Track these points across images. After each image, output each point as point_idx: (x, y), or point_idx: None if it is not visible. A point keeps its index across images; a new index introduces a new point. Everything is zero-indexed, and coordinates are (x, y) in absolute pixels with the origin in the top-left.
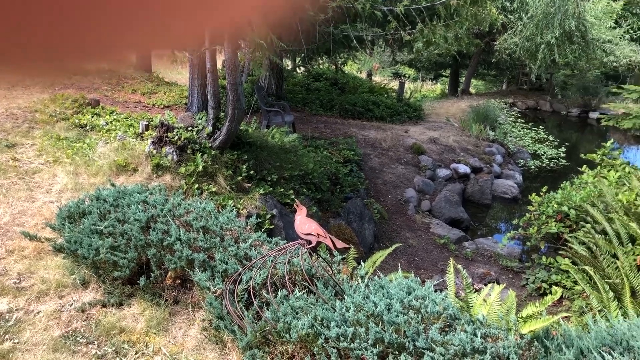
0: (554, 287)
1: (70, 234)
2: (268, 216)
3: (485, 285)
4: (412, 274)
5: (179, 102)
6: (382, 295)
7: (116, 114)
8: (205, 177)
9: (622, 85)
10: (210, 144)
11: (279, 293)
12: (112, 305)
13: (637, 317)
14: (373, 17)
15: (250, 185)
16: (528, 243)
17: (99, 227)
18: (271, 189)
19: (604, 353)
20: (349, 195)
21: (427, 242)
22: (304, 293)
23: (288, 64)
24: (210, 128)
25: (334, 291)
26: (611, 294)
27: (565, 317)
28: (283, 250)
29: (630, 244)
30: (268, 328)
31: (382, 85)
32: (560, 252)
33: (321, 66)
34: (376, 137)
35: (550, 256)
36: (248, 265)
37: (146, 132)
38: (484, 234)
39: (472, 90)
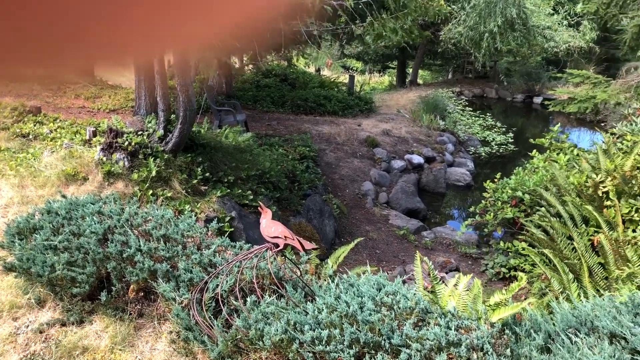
0: (519, 273)
1: (21, 251)
2: (227, 219)
3: (447, 273)
4: (380, 270)
5: (125, 105)
6: (353, 293)
7: (60, 120)
8: (160, 182)
9: (566, 70)
10: (162, 148)
11: (248, 299)
12: (72, 324)
13: (598, 296)
14: (323, 12)
15: (206, 188)
16: (485, 229)
17: (53, 242)
18: (228, 190)
19: (570, 335)
20: (308, 192)
21: (387, 234)
22: (274, 298)
23: (235, 61)
24: (161, 131)
25: (303, 293)
26: (571, 276)
27: (530, 302)
28: (250, 255)
29: (584, 225)
30: (239, 336)
31: (333, 80)
32: (518, 236)
33: (271, 63)
34: (330, 132)
35: (508, 241)
36: (214, 273)
37: (94, 139)
38: (440, 222)
39: (419, 80)
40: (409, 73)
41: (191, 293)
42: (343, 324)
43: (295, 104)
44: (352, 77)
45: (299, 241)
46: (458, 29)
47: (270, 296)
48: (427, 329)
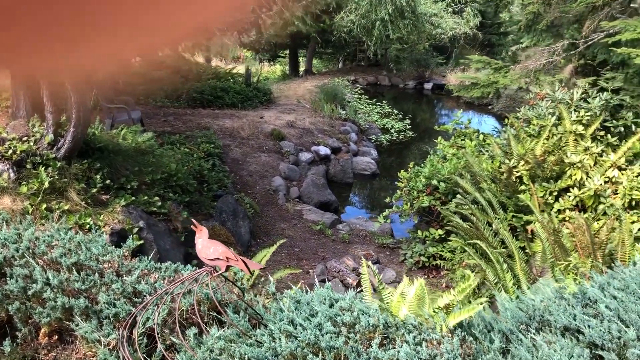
0: (466, 272)
1: None
2: (135, 230)
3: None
4: (316, 279)
5: None
6: (306, 313)
7: None
8: (54, 194)
9: (468, 56)
10: (54, 155)
11: (187, 332)
12: None
13: (529, 285)
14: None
15: (108, 197)
16: (402, 219)
17: None
18: (133, 198)
19: (524, 332)
20: (219, 193)
21: (303, 231)
22: (223, 330)
23: None
24: (51, 136)
25: (247, 317)
26: (505, 266)
27: (481, 303)
28: (190, 280)
29: (502, 211)
30: None
31: (228, 70)
32: (433, 224)
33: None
34: (233, 126)
35: (424, 229)
36: (143, 304)
37: None
38: (351, 213)
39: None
40: (301, 62)
41: (118, 331)
42: (306, 354)
43: (191, 97)
44: (248, 68)
45: (243, 262)
46: (350, 17)
47: (211, 326)
48: (394, 348)
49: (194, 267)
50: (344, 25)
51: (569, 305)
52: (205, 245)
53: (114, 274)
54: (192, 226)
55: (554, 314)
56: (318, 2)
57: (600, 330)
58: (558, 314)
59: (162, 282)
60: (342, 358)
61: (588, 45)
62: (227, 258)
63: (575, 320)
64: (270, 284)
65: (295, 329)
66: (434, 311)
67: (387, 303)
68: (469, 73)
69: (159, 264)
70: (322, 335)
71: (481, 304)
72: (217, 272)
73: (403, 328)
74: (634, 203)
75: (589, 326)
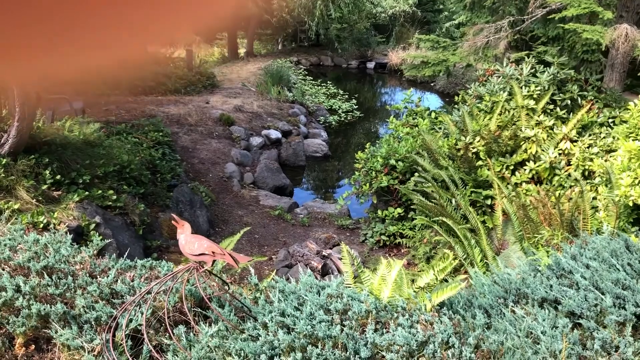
0: (444, 251)
1: None
2: (92, 226)
3: (331, 248)
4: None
5: None
6: (294, 302)
7: None
8: (1, 193)
9: (420, 36)
10: None
11: (176, 331)
12: None
13: (495, 258)
14: None
15: (60, 193)
16: (361, 200)
17: None
18: (87, 192)
19: (503, 305)
20: (173, 183)
21: (261, 217)
22: (218, 327)
23: None
24: None
25: (233, 310)
26: (473, 241)
27: (463, 279)
28: (171, 279)
29: (463, 188)
30: None
31: (168, 55)
32: (392, 203)
33: None
34: (179, 113)
35: (383, 209)
36: (124, 306)
37: None
38: (306, 196)
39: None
40: (240, 43)
41: (101, 335)
42: (305, 345)
43: (132, 84)
44: (189, 52)
45: (230, 255)
46: None
47: (197, 323)
48: (388, 332)
49: (171, 264)
50: (285, 5)
51: (544, 277)
52: (189, 241)
53: (87, 275)
54: (173, 222)
55: (531, 286)
56: None
57: (578, 299)
58: (535, 286)
59: (139, 280)
60: (340, 346)
61: (532, 21)
62: (213, 252)
63: (552, 291)
64: (251, 275)
65: (289, 319)
66: (415, 291)
67: (368, 286)
68: (409, 51)
69: (132, 261)
70: (318, 324)
71: (461, 281)
72: (202, 267)
73: (393, 311)
74: (586, 173)
75: (566, 296)
